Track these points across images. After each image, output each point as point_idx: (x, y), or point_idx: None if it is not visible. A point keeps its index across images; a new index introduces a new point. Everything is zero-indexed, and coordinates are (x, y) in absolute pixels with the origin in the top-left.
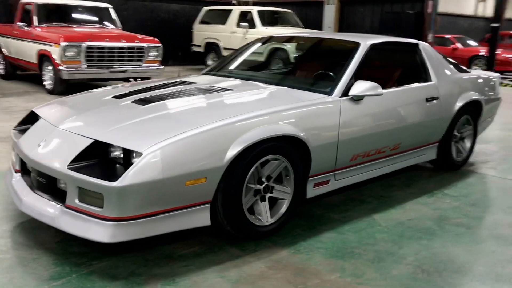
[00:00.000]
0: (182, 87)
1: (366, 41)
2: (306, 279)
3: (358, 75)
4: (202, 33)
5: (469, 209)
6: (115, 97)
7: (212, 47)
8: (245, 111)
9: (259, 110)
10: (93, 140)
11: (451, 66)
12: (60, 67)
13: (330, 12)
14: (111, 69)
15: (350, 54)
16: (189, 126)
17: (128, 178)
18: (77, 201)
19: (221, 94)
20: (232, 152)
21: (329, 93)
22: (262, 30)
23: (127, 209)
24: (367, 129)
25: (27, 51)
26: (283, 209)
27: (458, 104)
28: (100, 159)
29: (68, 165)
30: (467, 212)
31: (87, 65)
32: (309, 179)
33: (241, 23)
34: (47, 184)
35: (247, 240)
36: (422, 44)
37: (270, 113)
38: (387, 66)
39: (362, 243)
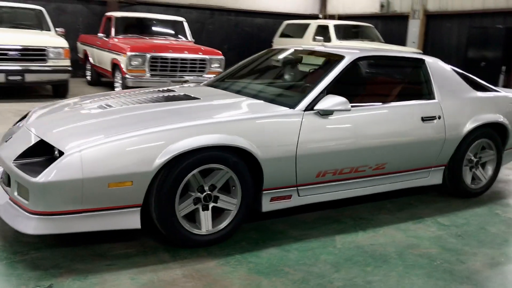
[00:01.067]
0: (155, 95)
1: (352, 55)
2: None
3: (344, 89)
4: (280, 46)
5: (451, 241)
6: (92, 101)
7: None
8: (189, 119)
9: (204, 119)
10: (39, 139)
11: (467, 85)
12: (126, 75)
13: (414, 27)
14: (173, 78)
15: (331, 67)
16: (122, 130)
17: (48, 175)
18: (16, 193)
19: (183, 102)
20: (161, 159)
21: (293, 107)
22: (337, 44)
23: (49, 204)
24: (336, 145)
25: (105, 59)
26: (228, 220)
27: (469, 126)
28: (49, 157)
29: (14, 160)
30: (445, 244)
31: (151, 74)
32: (264, 192)
33: (316, 37)
34: (6, 177)
35: (184, 247)
36: (429, 60)
37: (214, 123)
38: (384, 81)
39: (300, 263)
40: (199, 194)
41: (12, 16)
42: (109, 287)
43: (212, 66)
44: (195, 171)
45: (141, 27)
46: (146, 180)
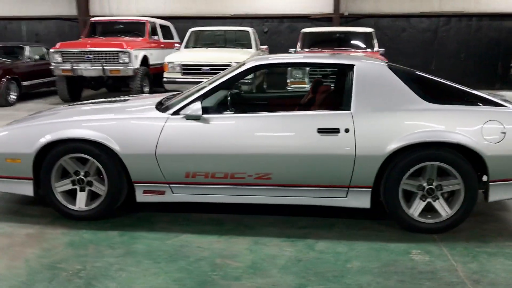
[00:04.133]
0: (121, 98)
1: (251, 63)
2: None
3: (237, 97)
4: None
5: (278, 262)
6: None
7: None
8: (80, 115)
9: (82, 117)
10: None
11: (415, 95)
12: (288, 87)
13: None
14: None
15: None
16: (23, 122)
17: None
18: None
19: (108, 104)
20: (37, 145)
21: (164, 110)
22: None
23: None
24: (200, 149)
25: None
26: (98, 202)
27: (395, 144)
28: None
29: None
30: (256, 265)
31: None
32: (136, 184)
33: None
34: None
35: (65, 219)
36: (362, 65)
37: (80, 121)
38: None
39: (117, 244)
40: (74, 176)
41: (224, 37)
42: None
43: None
44: (65, 158)
45: (327, 41)
46: (29, 159)
